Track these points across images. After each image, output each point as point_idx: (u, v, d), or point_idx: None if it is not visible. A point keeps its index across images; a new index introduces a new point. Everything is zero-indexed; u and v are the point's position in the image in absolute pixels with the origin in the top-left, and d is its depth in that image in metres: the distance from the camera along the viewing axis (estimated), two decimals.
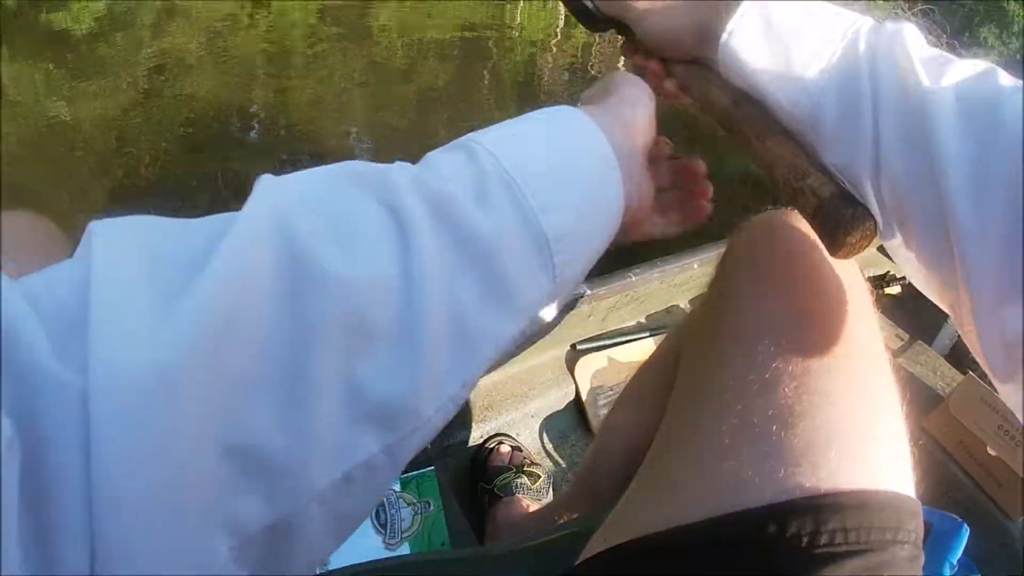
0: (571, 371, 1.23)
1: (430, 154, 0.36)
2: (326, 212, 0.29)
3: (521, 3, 6.72)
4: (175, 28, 5.02)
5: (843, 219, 0.42)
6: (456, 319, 0.31)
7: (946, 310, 0.45)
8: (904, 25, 0.45)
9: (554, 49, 5.18)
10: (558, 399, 1.22)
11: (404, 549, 0.87)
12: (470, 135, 0.37)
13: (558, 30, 6.17)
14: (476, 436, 1.14)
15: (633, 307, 1.25)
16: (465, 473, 1.10)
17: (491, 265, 0.32)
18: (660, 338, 1.29)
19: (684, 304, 1.39)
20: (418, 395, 0.29)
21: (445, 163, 0.35)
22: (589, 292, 1.11)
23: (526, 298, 0.34)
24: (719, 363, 0.52)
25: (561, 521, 0.90)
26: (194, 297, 0.24)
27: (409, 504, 0.90)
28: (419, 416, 0.30)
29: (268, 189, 0.29)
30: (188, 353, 0.23)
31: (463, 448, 1.13)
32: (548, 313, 0.39)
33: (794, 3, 0.47)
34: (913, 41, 0.44)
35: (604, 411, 1.18)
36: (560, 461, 1.17)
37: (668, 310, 1.34)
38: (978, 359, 0.42)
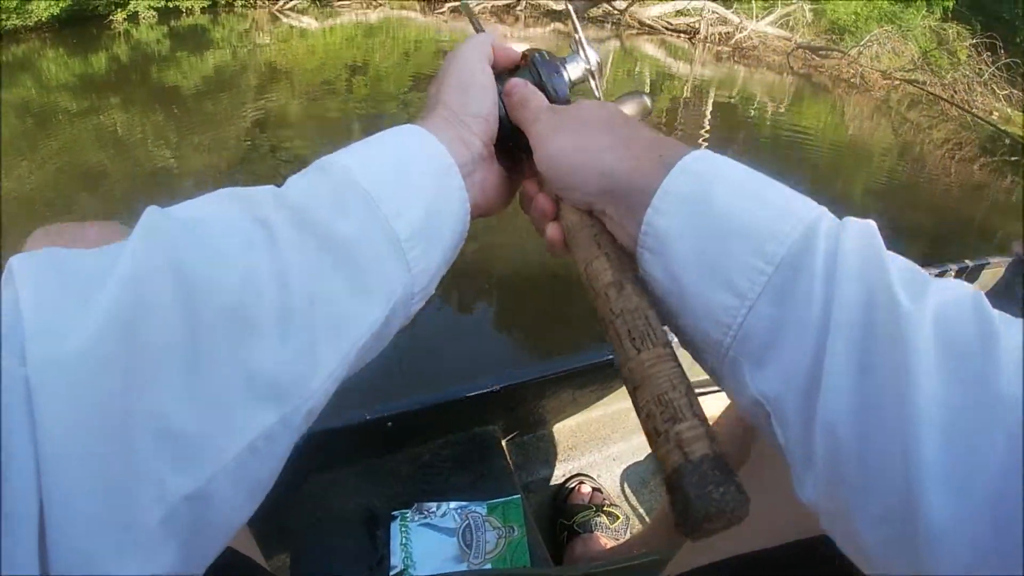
0: None
1: (291, 177, 0.40)
2: (203, 230, 0.34)
3: (609, 63, 6.89)
4: (277, 90, 5.39)
5: (708, 500, 0.31)
6: (327, 306, 0.36)
7: None
8: (871, 223, 0.36)
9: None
10: (640, 444, 1.22)
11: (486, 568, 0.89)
12: (328, 157, 0.41)
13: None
14: (558, 475, 1.16)
15: None
16: (546, 509, 1.11)
17: (352, 262, 0.37)
18: None
19: None
20: (301, 372, 0.34)
21: (304, 182, 0.40)
22: (676, 339, 1.12)
23: (386, 288, 0.39)
24: None
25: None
26: (104, 296, 0.29)
27: (495, 528, 0.92)
28: (306, 389, 0.35)
29: (154, 216, 0.33)
30: (105, 338, 0.28)
31: (545, 485, 1.15)
32: (416, 305, 0.44)
33: (740, 177, 0.38)
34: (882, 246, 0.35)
35: None
36: (638, 506, 1.16)
37: None
38: None
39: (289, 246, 0.35)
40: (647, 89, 6.45)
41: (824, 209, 0.37)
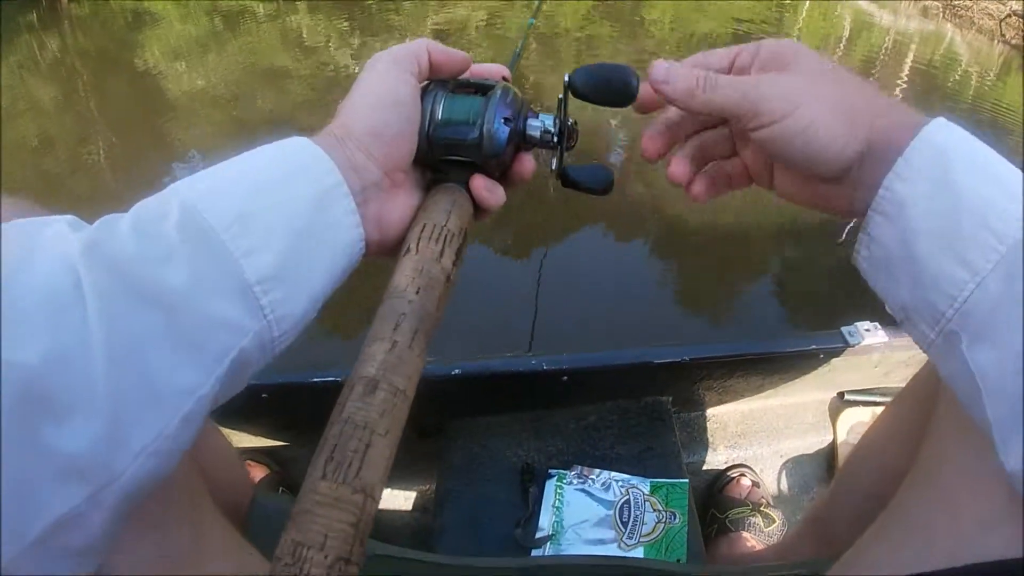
0: (833, 419, 1.12)
1: (139, 205, 0.36)
2: (15, 289, 0.30)
3: (806, 4, 6.38)
4: (461, 4, 5.37)
5: None
6: (140, 377, 0.32)
7: None
8: None
9: (835, 60, 4.85)
10: (812, 445, 1.12)
11: (638, 552, 0.84)
12: (180, 183, 0.36)
13: (843, 41, 5.78)
14: (719, 460, 1.08)
15: None
16: (699, 495, 1.04)
17: (178, 319, 0.33)
18: None
19: None
20: (104, 451, 0.31)
21: (145, 214, 0.35)
22: (886, 340, 1.00)
23: (223, 344, 0.34)
24: None
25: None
26: None
27: (655, 511, 0.86)
28: (112, 469, 0.32)
29: None
30: None
31: (702, 469, 1.07)
32: (281, 346, 0.37)
33: (978, 153, 0.38)
34: None
35: None
36: (796, 511, 1.07)
37: None
38: None
39: (100, 306, 0.31)
40: (844, 35, 5.88)
41: None
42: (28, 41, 4.51)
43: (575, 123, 0.49)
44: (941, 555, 0.42)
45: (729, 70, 0.46)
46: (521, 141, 0.48)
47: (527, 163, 0.50)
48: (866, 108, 0.41)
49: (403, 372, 0.35)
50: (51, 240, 0.34)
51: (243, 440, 0.99)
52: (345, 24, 4.66)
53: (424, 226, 0.43)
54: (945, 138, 0.39)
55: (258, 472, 0.99)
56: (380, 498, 0.32)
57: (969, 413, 0.38)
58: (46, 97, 3.62)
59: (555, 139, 0.48)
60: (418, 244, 0.42)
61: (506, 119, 0.46)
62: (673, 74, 0.43)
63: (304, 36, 4.50)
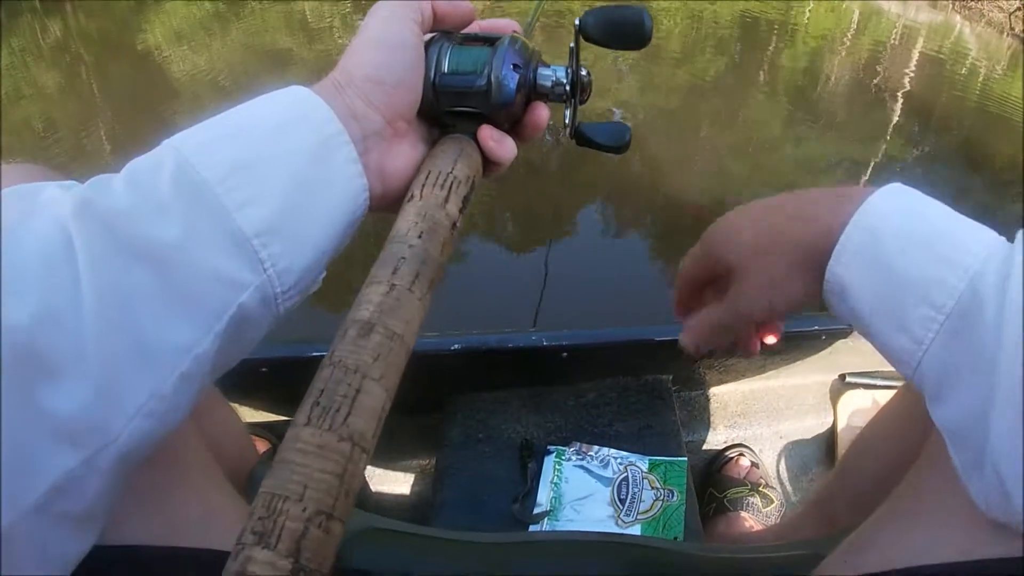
0: (833, 402, 1.12)
1: (131, 162, 0.35)
2: (8, 248, 0.30)
3: (811, 3, 6.34)
4: None
5: None
6: (132, 335, 0.31)
7: None
8: None
9: (842, 52, 4.81)
10: (812, 427, 1.12)
11: (635, 530, 0.84)
12: (175, 136, 0.35)
13: (851, 29, 5.73)
14: (718, 440, 1.08)
15: None
16: (697, 475, 1.04)
17: (171, 274, 0.32)
18: None
19: None
20: (98, 412, 0.31)
21: (138, 171, 0.34)
22: None
23: (221, 300, 0.34)
24: None
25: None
26: None
27: (653, 488, 0.86)
28: (107, 431, 0.31)
29: None
30: None
31: (700, 448, 1.07)
32: (288, 303, 0.36)
33: (911, 224, 0.41)
34: None
35: None
36: (794, 492, 1.07)
37: None
38: None
39: (91, 264, 0.31)
40: (852, 26, 5.84)
41: (994, 244, 0.38)
42: (30, 23, 4.48)
43: (589, 74, 0.47)
44: (951, 549, 0.42)
45: (707, 275, 0.53)
46: (531, 92, 0.46)
47: (541, 112, 0.47)
48: (815, 239, 0.45)
49: (401, 316, 0.33)
50: (46, 202, 0.33)
51: (243, 415, 1.00)
52: (349, 6, 4.64)
53: (429, 173, 0.42)
54: (876, 217, 0.42)
55: (259, 446, 0.99)
56: (372, 450, 0.30)
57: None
58: (49, 80, 3.60)
59: (567, 90, 0.46)
60: (422, 190, 0.41)
61: (515, 66, 0.44)
62: (690, 342, 0.55)
63: (308, 18, 4.48)
